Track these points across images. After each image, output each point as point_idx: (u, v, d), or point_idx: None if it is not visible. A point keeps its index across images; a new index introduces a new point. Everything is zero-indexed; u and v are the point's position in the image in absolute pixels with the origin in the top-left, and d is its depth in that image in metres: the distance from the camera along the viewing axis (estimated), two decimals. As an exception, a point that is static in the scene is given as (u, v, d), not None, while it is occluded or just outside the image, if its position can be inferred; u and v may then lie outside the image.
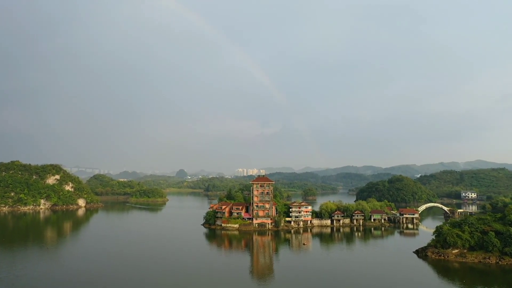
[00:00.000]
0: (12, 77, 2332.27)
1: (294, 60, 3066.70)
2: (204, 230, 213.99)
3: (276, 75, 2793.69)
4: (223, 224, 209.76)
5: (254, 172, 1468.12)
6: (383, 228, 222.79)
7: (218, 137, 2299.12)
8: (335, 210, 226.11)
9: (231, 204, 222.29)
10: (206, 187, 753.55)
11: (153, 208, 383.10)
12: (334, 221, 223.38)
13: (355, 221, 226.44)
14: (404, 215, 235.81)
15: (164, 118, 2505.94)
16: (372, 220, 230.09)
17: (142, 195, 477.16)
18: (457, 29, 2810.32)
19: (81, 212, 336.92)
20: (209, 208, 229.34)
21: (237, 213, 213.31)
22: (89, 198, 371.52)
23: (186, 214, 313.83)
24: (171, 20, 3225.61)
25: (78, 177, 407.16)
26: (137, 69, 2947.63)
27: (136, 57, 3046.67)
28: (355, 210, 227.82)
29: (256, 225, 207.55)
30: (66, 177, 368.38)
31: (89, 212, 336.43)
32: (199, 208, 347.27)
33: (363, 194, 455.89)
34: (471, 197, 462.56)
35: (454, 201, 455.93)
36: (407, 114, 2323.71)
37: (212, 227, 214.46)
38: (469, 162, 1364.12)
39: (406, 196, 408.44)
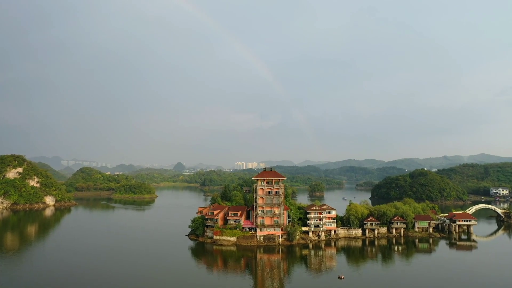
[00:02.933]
0: (2, 69, 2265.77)
1: (292, 53, 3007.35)
2: (190, 243, 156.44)
3: (274, 68, 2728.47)
4: (215, 236, 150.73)
5: (253, 165, 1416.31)
6: (431, 240, 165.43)
7: (217, 131, 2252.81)
8: (368, 216, 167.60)
9: (226, 208, 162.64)
10: (202, 181, 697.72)
11: (137, 207, 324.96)
12: (367, 231, 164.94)
13: (394, 230, 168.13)
14: (457, 222, 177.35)
15: (162, 112, 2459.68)
16: (416, 229, 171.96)
17: (127, 191, 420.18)
18: (455, 22, 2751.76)
19: (48, 212, 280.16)
20: (197, 213, 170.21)
21: (235, 221, 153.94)
22: (59, 195, 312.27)
23: (172, 216, 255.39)
24: (166, 13, 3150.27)
25: (46, 171, 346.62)
26: (132, 63, 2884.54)
27: (131, 51, 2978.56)
28: (394, 216, 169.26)
29: (261, 238, 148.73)
30: (31, 170, 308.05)
31: (59, 212, 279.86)
32: (191, 207, 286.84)
33: (380, 190, 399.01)
34: (503, 193, 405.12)
35: (483, 198, 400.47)
36: (406, 108, 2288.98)
37: (201, 239, 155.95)
38: (472, 155, 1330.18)
39: (432, 193, 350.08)
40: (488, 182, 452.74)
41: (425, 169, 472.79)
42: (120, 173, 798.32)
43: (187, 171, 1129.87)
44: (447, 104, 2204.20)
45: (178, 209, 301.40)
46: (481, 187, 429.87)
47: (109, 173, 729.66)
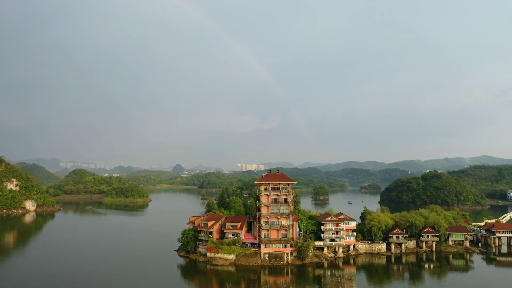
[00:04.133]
0: (1, 70, 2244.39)
1: (292, 54, 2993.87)
2: (179, 260, 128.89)
3: (274, 69, 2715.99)
4: (209, 253, 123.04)
5: (253, 167, 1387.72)
6: (468, 256, 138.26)
7: (216, 132, 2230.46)
8: (393, 228, 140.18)
9: (222, 218, 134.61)
10: (200, 184, 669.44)
11: (127, 212, 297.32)
12: (392, 245, 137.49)
13: (424, 244, 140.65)
14: (497, 233, 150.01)
15: (161, 113, 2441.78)
16: (450, 243, 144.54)
17: (119, 194, 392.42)
18: (455, 23, 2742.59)
19: (28, 218, 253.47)
20: (188, 223, 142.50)
21: (233, 234, 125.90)
22: (41, 200, 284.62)
23: (163, 224, 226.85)
24: (166, 14, 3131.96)
25: (26, 172, 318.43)
26: (132, 64, 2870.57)
27: (131, 52, 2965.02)
28: (424, 227, 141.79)
29: (266, 256, 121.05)
30: (9, 172, 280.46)
31: (41, 218, 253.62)
32: (185, 213, 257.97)
33: (390, 194, 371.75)
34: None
35: (500, 202, 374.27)
36: (406, 109, 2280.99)
37: (192, 256, 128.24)
38: (474, 157, 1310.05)
39: (448, 197, 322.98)
40: (504, 184, 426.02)
41: (439, 171, 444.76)
42: (118, 175, 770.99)
43: (185, 173, 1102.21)
44: (447, 106, 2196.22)
45: (171, 215, 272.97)
46: (497, 190, 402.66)
47: (106, 174, 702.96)
